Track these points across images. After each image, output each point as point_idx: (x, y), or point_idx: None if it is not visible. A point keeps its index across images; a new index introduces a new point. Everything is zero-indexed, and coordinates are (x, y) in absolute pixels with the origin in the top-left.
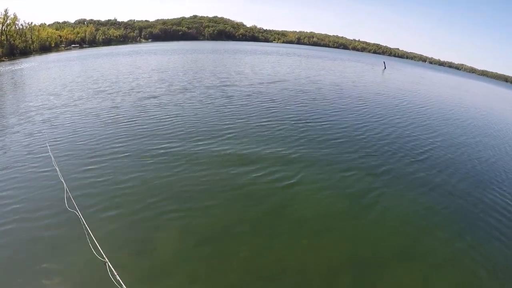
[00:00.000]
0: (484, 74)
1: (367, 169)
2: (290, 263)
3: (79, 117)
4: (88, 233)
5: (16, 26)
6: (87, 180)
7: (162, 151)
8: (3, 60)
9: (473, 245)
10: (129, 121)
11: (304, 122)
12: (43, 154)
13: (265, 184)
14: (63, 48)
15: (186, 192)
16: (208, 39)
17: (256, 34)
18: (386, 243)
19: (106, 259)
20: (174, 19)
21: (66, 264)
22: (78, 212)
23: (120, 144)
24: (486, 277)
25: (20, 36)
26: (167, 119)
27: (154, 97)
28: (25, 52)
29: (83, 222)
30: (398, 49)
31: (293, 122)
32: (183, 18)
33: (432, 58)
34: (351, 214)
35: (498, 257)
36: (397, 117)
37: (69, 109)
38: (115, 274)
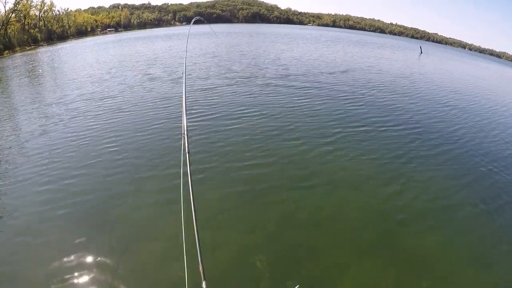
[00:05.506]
0: None
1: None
2: (322, 217)
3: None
4: None
5: (53, 12)
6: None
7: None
8: (42, 45)
9: (499, 221)
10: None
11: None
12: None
13: (304, 152)
14: (99, 32)
15: (233, 154)
16: (242, 22)
17: (290, 17)
18: (409, 208)
19: None
20: (208, 1)
21: None
22: None
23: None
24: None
25: (57, 21)
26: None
27: (215, 87)
28: (63, 37)
29: None
30: (436, 34)
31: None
32: (217, 1)
33: (472, 44)
34: (379, 179)
35: None
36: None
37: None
38: None
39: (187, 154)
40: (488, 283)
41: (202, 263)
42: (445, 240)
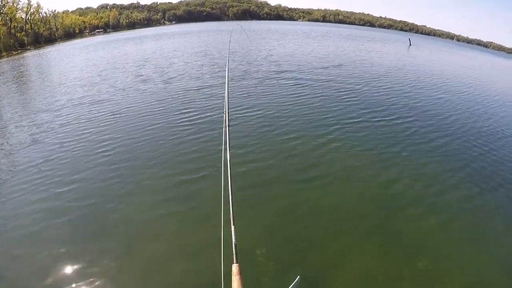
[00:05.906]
0: None
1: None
2: (321, 207)
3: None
4: None
5: (40, 14)
6: None
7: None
8: (29, 49)
9: (493, 201)
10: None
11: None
12: None
13: (303, 147)
14: (87, 34)
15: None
16: (232, 19)
17: (281, 13)
18: (406, 194)
19: None
20: None
21: None
22: None
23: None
24: (500, 228)
25: (44, 24)
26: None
27: (210, 86)
28: (50, 40)
29: None
30: (425, 26)
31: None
32: None
33: (459, 35)
34: (376, 169)
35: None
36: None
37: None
38: None
39: (227, 146)
40: (484, 261)
41: (233, 210)
42: (442, 224)
